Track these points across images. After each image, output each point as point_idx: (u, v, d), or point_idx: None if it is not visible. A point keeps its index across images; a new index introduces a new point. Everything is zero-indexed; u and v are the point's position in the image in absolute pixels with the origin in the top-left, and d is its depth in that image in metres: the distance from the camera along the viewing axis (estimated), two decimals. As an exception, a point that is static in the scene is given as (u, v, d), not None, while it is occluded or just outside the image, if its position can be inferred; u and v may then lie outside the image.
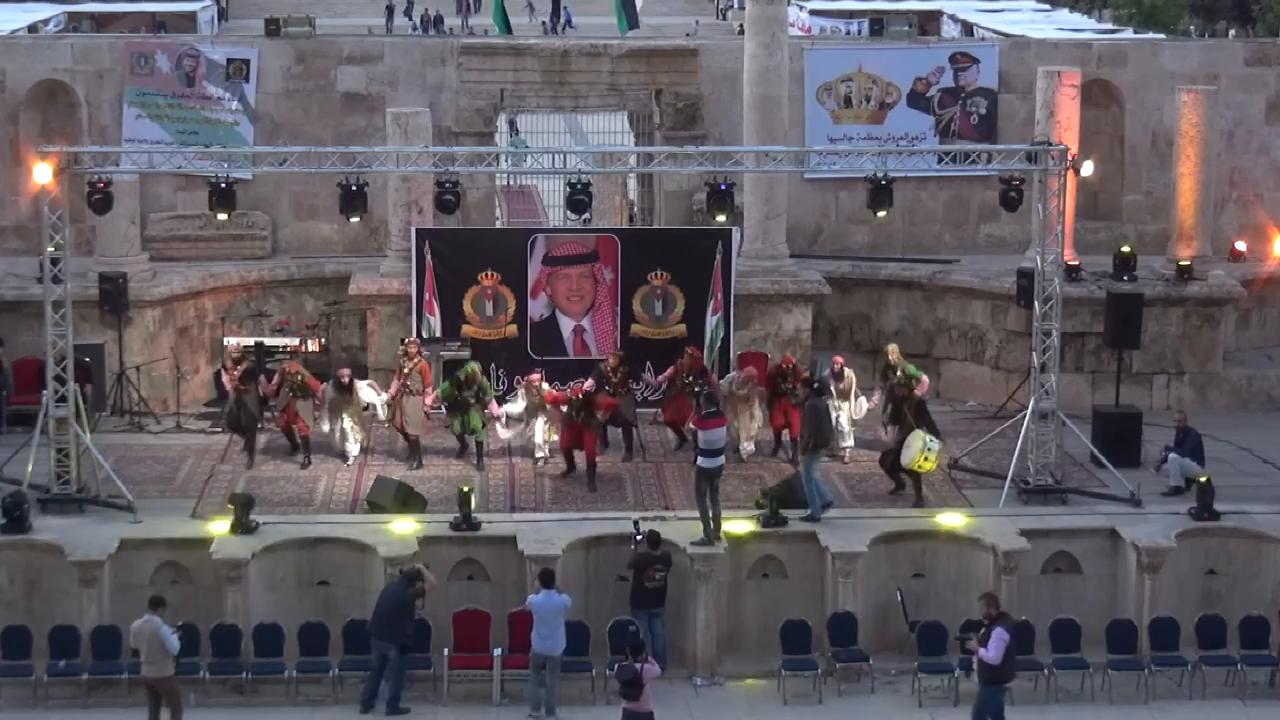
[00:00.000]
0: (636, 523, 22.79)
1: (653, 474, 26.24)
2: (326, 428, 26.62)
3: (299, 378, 26.41)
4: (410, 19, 52.95)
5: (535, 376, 26.48)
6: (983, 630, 20.40)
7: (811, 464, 23.95)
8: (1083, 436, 26.01)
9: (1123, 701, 22.34)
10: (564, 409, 25.94)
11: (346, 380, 26.56)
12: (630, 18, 36.32)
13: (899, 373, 25.99)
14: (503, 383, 27.83)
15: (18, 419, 27.26)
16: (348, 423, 26.49)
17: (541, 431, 26.37)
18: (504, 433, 26.63)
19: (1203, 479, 24.14)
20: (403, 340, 27.46)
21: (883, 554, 23.34)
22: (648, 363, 27.73)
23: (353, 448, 26.56)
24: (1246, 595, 23.51)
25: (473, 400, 26.28)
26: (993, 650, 20.12)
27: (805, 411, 24.56)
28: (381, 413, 26.76)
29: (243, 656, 22.14)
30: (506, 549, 22.99)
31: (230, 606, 22.34)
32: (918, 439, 24.72)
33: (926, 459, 24.58)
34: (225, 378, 27.05)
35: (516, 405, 26.52)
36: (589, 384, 26.10)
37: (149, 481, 25.52)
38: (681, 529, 23.23)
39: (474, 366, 26.59)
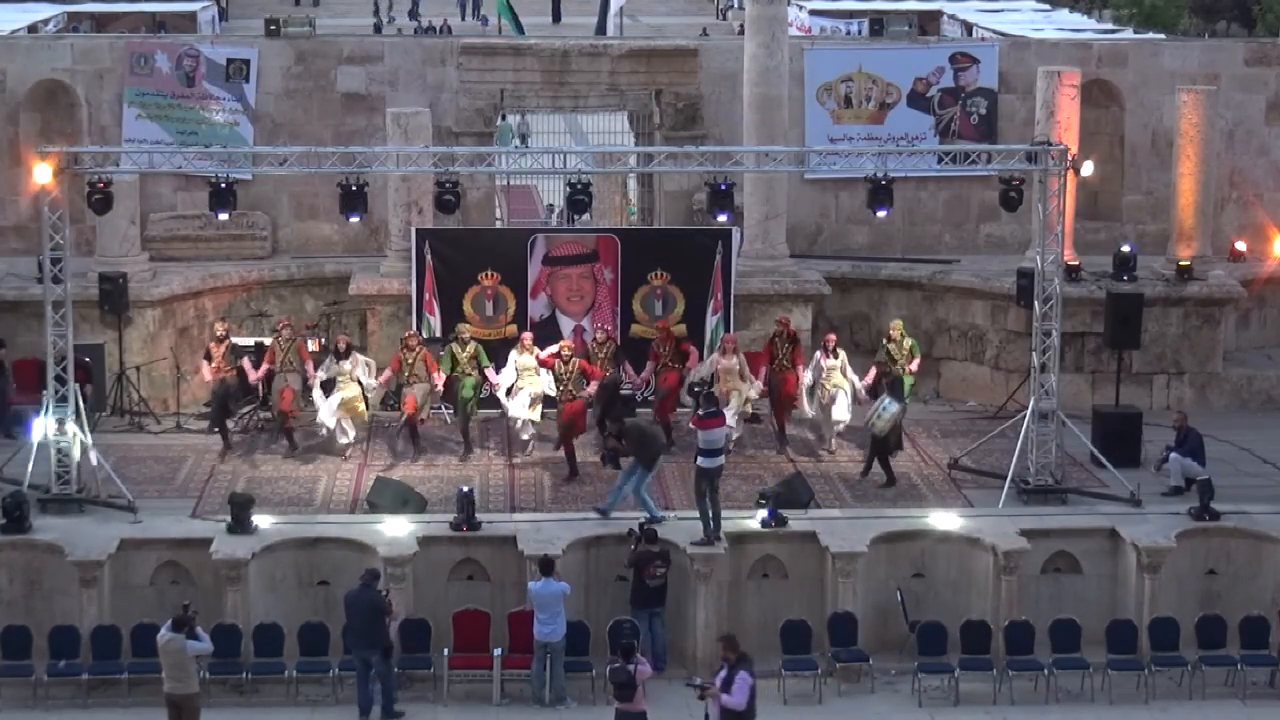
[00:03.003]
0: (641, 524, 22.78)
1: (652, 474, 26.24)
2: (322, 415, 26.65)
3: (289, 345, 26.76)
4: (415, 20, 52.81)
5: (527, 337, 26.87)
6: (723, 674, 19.43)
7: (644, 478, 23.75)
8: (1083, 436, 26.01)
9: (1123, 701, 22.33)
10: (554, 373, 26.27)
11: (344, 347, 26.78)
12: (600, 23, 36.44)
13: (901, 349, 26.98)
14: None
15: (18, 419, 27.27)
16: (340, 408, 26.54)
17: (526, 405, 26.48)
18: (511, 407, 26.81)
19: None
20: (403, 338, 27.50)
21: (883, 554, 23.34)
22: (626, 363, 27.74)
23: (344, 436, 26.61)
24: (1246, 595, 23.50)
25: (471, 370, 26.58)
26: (737, 695, 19.18)
27: (629, 432, 24.30)
28: (371, 393, 26.93)
29: (243, 656, 22.14)
30: (506, 549, 22.99)
31: (230, 606, 22.32)
32: (879, 402, 25.45)
33: (879, 418, 25.28)
34: (207, 368, 27.00)
35: (509, 374, 26.68)
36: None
37: (149, 481, 25.54)
38: (681, 529, 23.24)
39: (465, 330, 27.24)
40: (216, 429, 27.12)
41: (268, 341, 28.17)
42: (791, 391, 27.18)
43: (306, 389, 27.22)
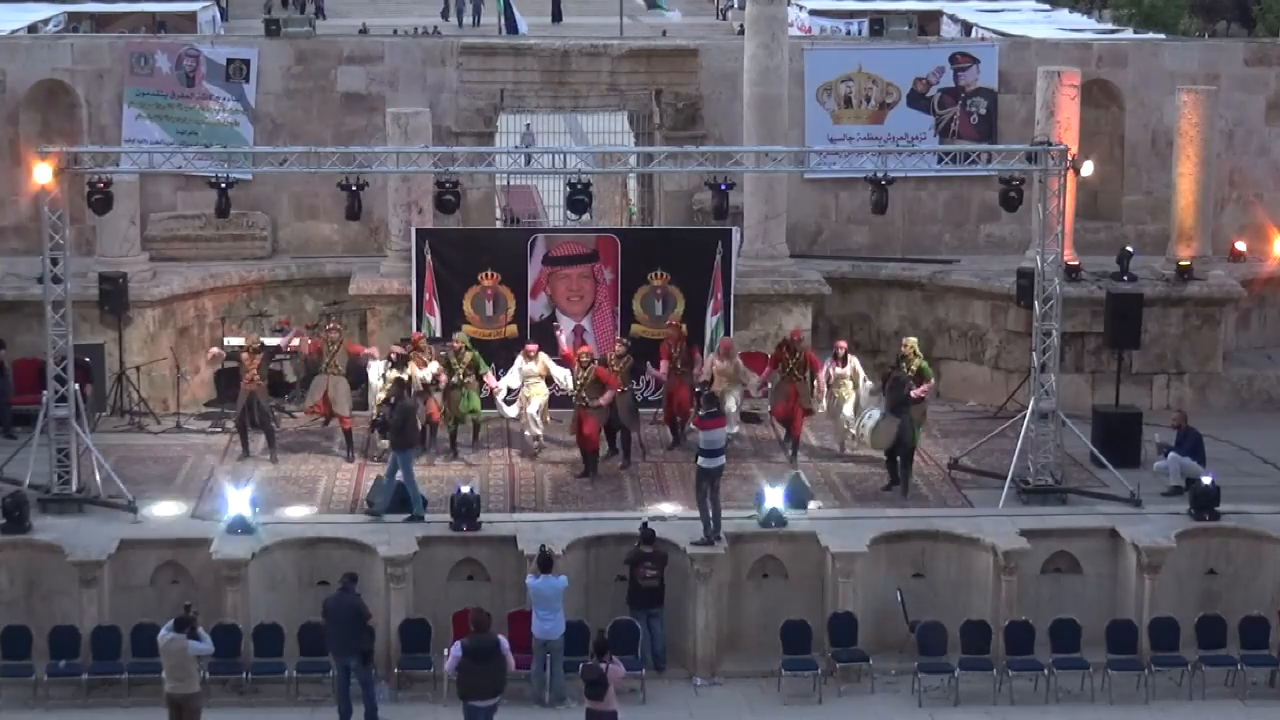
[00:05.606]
0: (642, 524, 22.78)
1: (653, 474, 26.24)
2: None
3: (337, 346, 26.62)
4: (447, 19, 52.91)
5: (532, 347, 26.82)
6: None
7: (406, 462, 23.89)
8: (1083, 436, 26.01)
9: (1123, 701, 22.35)
10: (568, 384, 26.16)
11: (395, 357, 26.25)
12: None
13: (910, 368, 26.23)
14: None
15: (18, 419, 27.27)
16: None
17: (536, 407, 26.48)
18: (508, 411, 26.76)
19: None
20: (404, 340, 27.45)
21: (883, 554, 23.35)
22: (648, 363, 27.73)
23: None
24: (1246, 595, 23.53)
25: (467, 378, 26.44)
26: (448, 664, 20.47)
27: (395, 411, 24.40)
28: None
29: (243, 656, 22.15)
30: (506, 549, 23.00)
31: (230, 606, 22.34)
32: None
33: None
34: (244, 377, 26.76)
35: (513, 378, 26.61)
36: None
37: (149, 481, 25.52)
38: (682, 529, 23.24)
39: (464, 337, 27.05)
40: (238, 432, 26.93)
41: (269, 342, 28.14)
42: (798, 432, 26.86)
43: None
